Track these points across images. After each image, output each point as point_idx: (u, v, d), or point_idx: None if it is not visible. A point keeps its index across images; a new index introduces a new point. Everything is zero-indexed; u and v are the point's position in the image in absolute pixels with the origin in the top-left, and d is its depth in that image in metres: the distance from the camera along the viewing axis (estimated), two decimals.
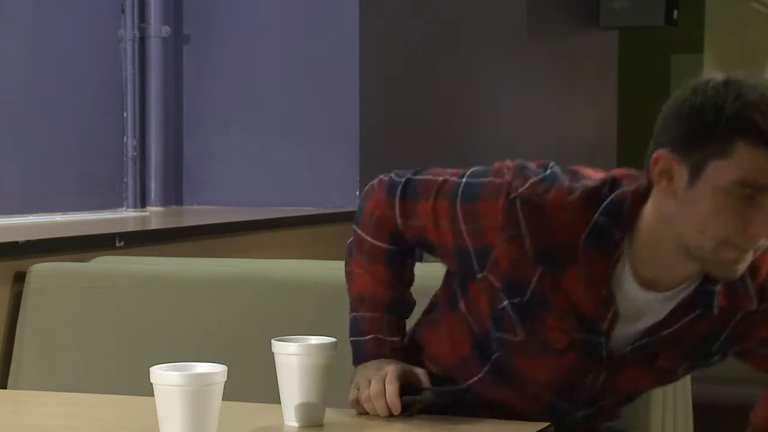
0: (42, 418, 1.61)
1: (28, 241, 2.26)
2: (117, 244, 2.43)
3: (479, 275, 1.54)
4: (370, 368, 1.58)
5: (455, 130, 3.96)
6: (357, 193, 3.31)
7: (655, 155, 1.47)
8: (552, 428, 1.49)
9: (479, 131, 4.13)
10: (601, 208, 1.49)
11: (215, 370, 1.30)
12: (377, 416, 1.55)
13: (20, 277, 2.21)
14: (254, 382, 1.82)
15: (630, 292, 1.50)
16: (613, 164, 5.21)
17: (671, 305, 1.52)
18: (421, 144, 3.73)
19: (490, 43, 4.20)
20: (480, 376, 1.59)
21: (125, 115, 3.29)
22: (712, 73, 1.46)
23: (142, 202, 3.32)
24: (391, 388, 1.52)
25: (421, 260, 1.75)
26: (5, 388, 2.15)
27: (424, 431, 1.50)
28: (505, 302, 1.52)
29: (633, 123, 6.56)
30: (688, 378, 1.93)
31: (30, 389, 2.09)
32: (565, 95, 4.82)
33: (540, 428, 1.46)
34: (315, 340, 1.52)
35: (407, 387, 1.55)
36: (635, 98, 6.18)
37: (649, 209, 1.48)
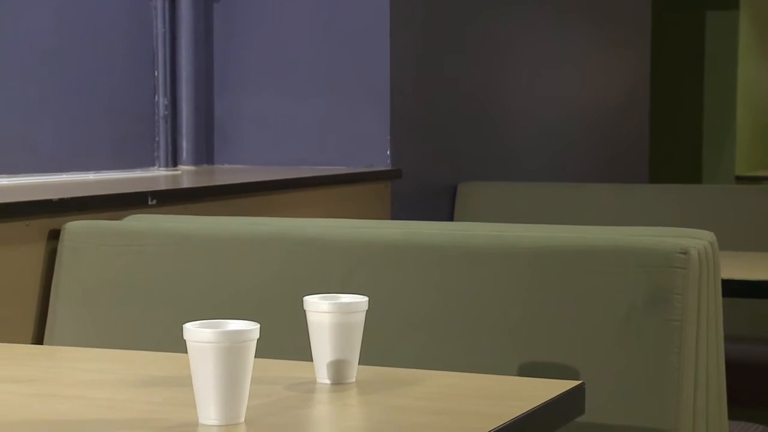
0: (78, 373, 1.63)
1: (61, 199, 2.28)
2: (149, 203, 2.45)
3: None
4: None
5: (486, 89, 3.95)
6: (387, 152, 3.31)
7: None
8: (584, 385, 1.49)
9: (509, 91, 4.11)
10: None
11: (248, 327, 1.31)
12: (409, 371, 1.56)
13: (54, 235, 2.23)
14: (286, 340, 1.84)
15: None
16: (645, 125, 5.18)
17: None
18: (451, 103, 3.72)
19: (522, 1, 4.17)
20: None
21: (156, 74, 3.30)
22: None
23: (174, 161, 3.34)
24: None
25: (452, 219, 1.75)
26: (41, 344, 2.18)
27: (453, 390, 1.51)
28: None
29: (667, 83, 6.51)
30: (721, 335, 1.93)
31: (65, 345, 2.11)
32: (597, 55, 4.79)
33: (571, 386, 1.47)
34: (347, 298, 1.53)
35: None
36: (669, 58, 6.12)
37: None
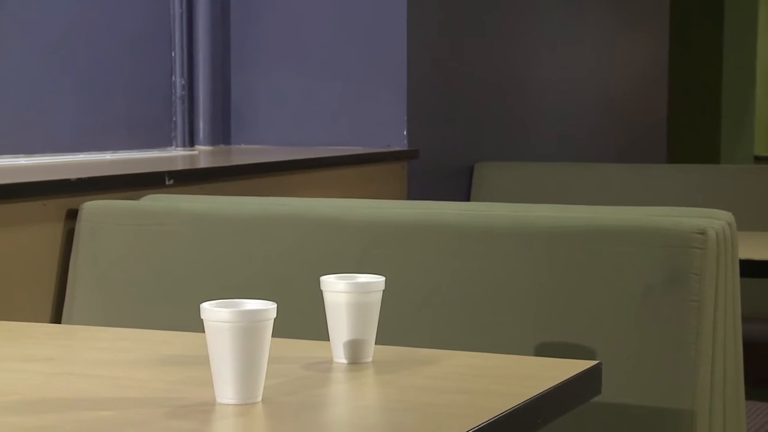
0: (95, 352, 1.64)
1: (79, 179, 2.28)
2: (166, 183, 2.45)
3: None
4: None
5: (504, 70, 3.93)
6: (404, 132, 3.30)
7: None
8: (601, 365, 1.49)
9: (527, 71, 4.10)
10: None
11: (265, 306, 1.32)
12: (426, 351, 1.57)
13: (72, 215, 2.24)
14: (303, 320, 1.84)
15: None
16: (663, 105, 5.16)
17: None
18: (468, 83, 3.71)
19: None
20: None
21: (173, 54, 3.30)
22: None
23: (191, 140, 3.34)
24: None
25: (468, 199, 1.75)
26: (59, 323, 2.19)
27: (470, 369, 1.51)
28: None
29: (685, 63, 6.47)
30: (738, 316, 1.92)
31: (83, 324, 2.12)
32: (615, 35, 4.76)
33: (588, 366, 1.47)
34: (363, 278, 1.53)
35: None
36: (687, 35, 6.08)
37: None
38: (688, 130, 6.82)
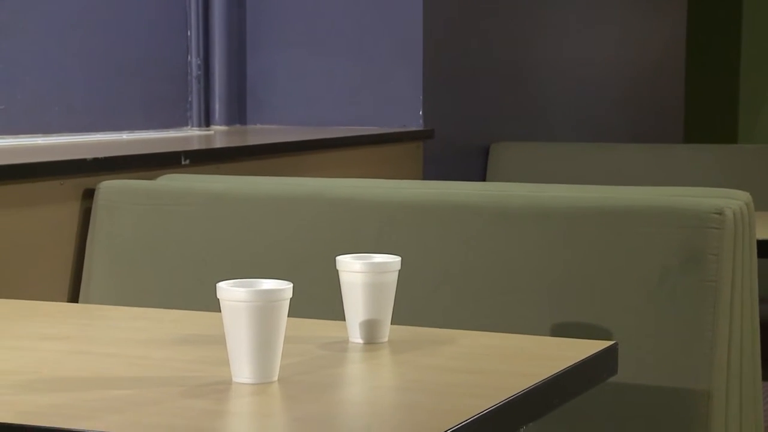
0: (112, 331, 1.64)
1: (96, 159, 2.29)
2: (182, 163, 2.45)
3: None
4: None
5: (519, 50, 3.92)
6: (420, 112, 3.30)
7: None
8: (617, 346, 1.49)
9: (543, 51, 4.08)
10: None
11: (281, 286, 1.32)
12: (442, 331, 1.57)
13: (89, 194, 2.24)
14: (319, 300, 1.84)
15: None
16: (680, 87, 5.13)
17: None
18: (484, 63, 3.70)
19: None
20: None
21: (189, 34, 3.29)
22: None
23: (207, 120, 3.34)
24: None
25: (484, 179, 1.75)
26: (77, 302, 2.20)
27: (486, 349, 1.51)
28: None
29: (703, 42, 6.44)
30: (756, 296, 1.92)
31: (100, 303, 2.13)
32: (632, 15, 4.74)
33: (604, 346, 1.46)
34: (379, 257, 1.53)
35: None
36: (705, 14, 6.04)
37: None
38: (706, 110, 6.79)
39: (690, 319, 1.80)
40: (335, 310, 1.56)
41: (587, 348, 1.46)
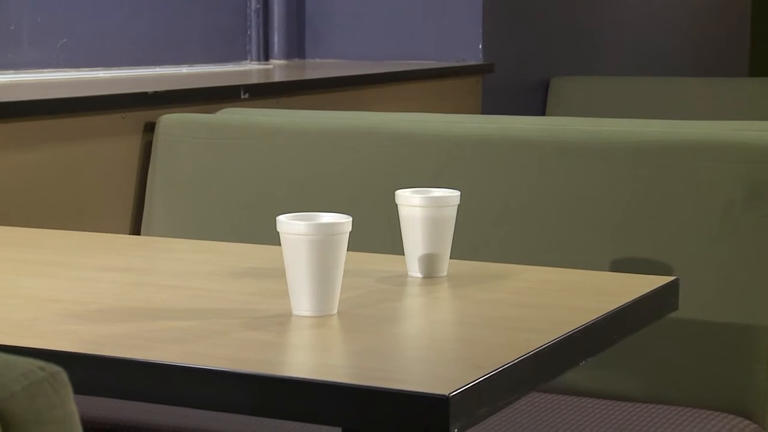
0: (174, 264, 1.66)
1: (156, 92, 2.30)
2: (242, 96, 2.46)
3: None
4: None
5: None
6: (479, 46, 3.26)
7: None
8: (678, 281, 1.47)
9: (605, 13, 4.01)
10: None
11: (341, 220, 1.32)
12: (501, 266, 1.56)
13: (150, 128, 2.26)
14: (378, 234, 1.85)
15: None
16: (746, 16, 5.02)
17: None
18: None
19: None
20: None
21: None
22: None
23: (266, 55, 3.34)
24: None
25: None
26: (139, 234, 2.22)
27: (545, 284, 1.50)
28: None
29: None
30: None
31: (161, 236, 2.15)
32: None
33: (666, 282, 1.45)
34: (438, 192, 1.52)
35: None
36: None
37: None
38: None
39: (753, 255, 1.78)
40: (394, 244, 1.56)
41: (648, 283, 1.45)
